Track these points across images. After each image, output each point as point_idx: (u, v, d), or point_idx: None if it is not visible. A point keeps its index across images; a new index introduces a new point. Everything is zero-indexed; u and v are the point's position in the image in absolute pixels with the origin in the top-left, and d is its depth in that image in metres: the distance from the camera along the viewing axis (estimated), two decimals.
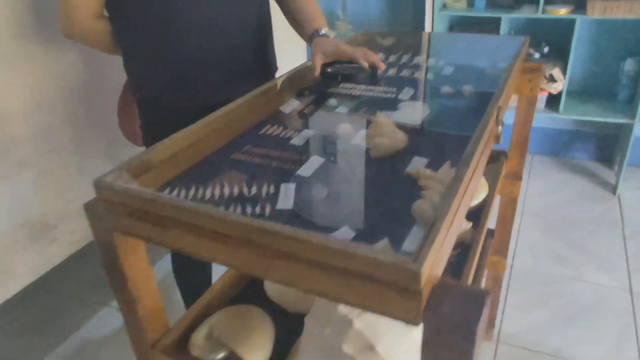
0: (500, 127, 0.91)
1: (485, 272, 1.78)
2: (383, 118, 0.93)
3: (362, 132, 0.94)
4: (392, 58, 1.36)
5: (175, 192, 0.80)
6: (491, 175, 1.53)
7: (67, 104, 1.54)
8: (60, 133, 1.53)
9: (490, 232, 1.69)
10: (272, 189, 0.82)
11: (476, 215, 1.30)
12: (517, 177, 1.49)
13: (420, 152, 0.90)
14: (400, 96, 1.16)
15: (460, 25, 2.89)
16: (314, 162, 0.87)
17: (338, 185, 0.85)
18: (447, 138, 0.96)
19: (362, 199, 0.82)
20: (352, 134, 0.97)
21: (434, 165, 0.86)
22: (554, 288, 2.01)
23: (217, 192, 0.81)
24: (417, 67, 1.33)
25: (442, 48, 1.54)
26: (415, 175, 0.81)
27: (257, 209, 0.75)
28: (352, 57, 1.15)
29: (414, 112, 1.04)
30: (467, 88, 1.15)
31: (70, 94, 1.54)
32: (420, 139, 0.96)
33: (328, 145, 0.97)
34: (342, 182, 0.86)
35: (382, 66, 1.19)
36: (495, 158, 1.53)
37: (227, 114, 0.96)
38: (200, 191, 0.81)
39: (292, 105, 1.16)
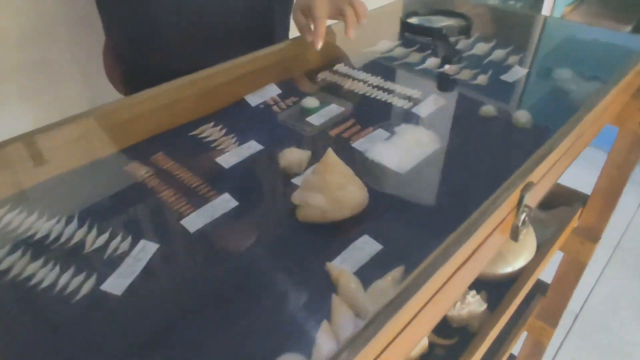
0: (523, 217, 0.53)
1: (524, 335, 1.38)
2: (333, 157, 0.59)
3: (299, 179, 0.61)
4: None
5: None
6: (555, 219, 1.10)
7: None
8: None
9: (542, 287, 1.28)
10: (126, 243, 0.55)
11: (503, 284, 0.92)
12: (592, 236, 1.05)
13: (380, 228, 0.56)
14: (420, 111, 0.78)
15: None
16: (218, 206, 0.58)
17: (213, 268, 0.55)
18: (434, 214, 0.60)
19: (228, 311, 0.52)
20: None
21: (390, 258, 0.52)
22: (627, 356, 1.54)
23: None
24: (471, 67, 0.91)
25: (539, 43, 1.07)
26: (334, 278, 0.49)
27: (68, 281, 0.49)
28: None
29: (414, 146, 0.68)
30: (523, 118, 0.74)
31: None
32: (393, 201, 0.61)
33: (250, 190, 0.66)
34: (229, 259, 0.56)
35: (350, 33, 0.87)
36: (567, 199, 1.09)
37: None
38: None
39: (265, 95, 0.85)
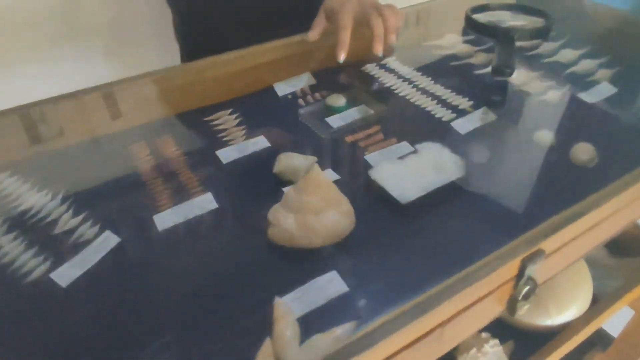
0: (526, 291, 0.41)
1: None
2: (316, 175, 0.51)
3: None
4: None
5: None
6: (626, 268, 0.91)
7: None
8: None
9: (604, 340, 1.09)
10: (92, 231, 0.53)
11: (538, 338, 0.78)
12: None
13: (354, 265, 0.48)
14: (460, 126, 0.66)
15: None
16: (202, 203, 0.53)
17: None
18: (423, 261, 0.49)
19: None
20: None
21: (353, 306, 0.44)
22: None
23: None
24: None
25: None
26: (274, 318, 0.42)
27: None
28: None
29: (430, 172, 0.57)
30: (584, 155, 0.58)
31: None
32: (381, 236, 0.51)
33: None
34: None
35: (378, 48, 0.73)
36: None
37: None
38: None
39: (296, 84, 0.78)
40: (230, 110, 0.72)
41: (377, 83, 0.78)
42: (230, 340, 0.43)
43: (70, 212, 0.56)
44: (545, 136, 0.63)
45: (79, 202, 0.58)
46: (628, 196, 0.51)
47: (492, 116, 0.68)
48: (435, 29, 0.94)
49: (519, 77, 0.76)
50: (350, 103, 0.72)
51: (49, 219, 0.55)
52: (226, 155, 0.64)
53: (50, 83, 0.80)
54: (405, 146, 0.64)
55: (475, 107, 0.71)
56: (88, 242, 0.52)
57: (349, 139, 0.66)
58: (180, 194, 0.58)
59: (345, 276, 0.47)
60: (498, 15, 0.74)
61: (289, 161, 0.58)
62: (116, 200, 0.59)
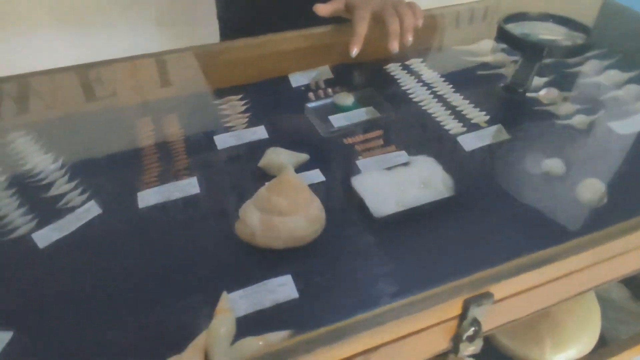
0: (471, 333, 0.38)
1: None
2: (288, 177, 0.49)
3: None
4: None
5: None
6: None
7: None
8: None
9: None
10: (80, 199, 0.56)
11: None
12: None
13: (311, 273, 0.47)
14: (467, 142, 0.63)
15: None
16: None
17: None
18: (379, 280, 0.46)
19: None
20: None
21: (298, 314, 0.44)
22: None
23: None
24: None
25: None
26: (215, 312, 0.42)
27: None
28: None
29: (415, 187, 0.54)
30: (589, 192, 0.53)
31: None
32: (345, 247, 0.49)
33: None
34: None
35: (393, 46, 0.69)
36: None
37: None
38: None
39: (312, 77, 0.76)
40: (240, 96, 0.73)
41: (394, 84, 0.75)
42: (171, 324, 0.44)
43: (66, 177, 0.59)
44: (556, 166, 0.58)
45: (76, 169, 0.61)
46: (606, 250, 0.46)
47: (504, 135, 0.64)
48: (472, 33, 0.89)
49: (549, 95, 0.70)
50: (359, 103, 0.70)
51: (45, 182, 0.59)
52: (223, 141, 0.65)
53: (75, 50, 0.84)
54: (401, 156, 0.61)
55: (491, 122, 0.67)
56: (73, 208, 0.55)
57: (347, 140, 0.64)
58: (168, 175, 0.59)
59: (299, 282, 0.46)
60: (533, 27, 0.68)
61: (275, 156, 0.58)
62: (109, 171, 0.61)
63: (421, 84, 0.75)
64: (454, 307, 0.38)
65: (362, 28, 0.68)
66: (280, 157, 0.58)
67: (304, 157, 0.61)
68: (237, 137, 0.65)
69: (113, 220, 0.54)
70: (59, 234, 0.52)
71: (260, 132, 0.66)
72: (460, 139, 0.64)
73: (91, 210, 0.55)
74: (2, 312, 0.45)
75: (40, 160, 0.62)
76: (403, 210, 0.52)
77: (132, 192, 0.57)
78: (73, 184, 0.58)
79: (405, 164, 0.58)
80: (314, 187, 0.57)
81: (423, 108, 0.70)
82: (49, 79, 0.75)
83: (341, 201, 0.55)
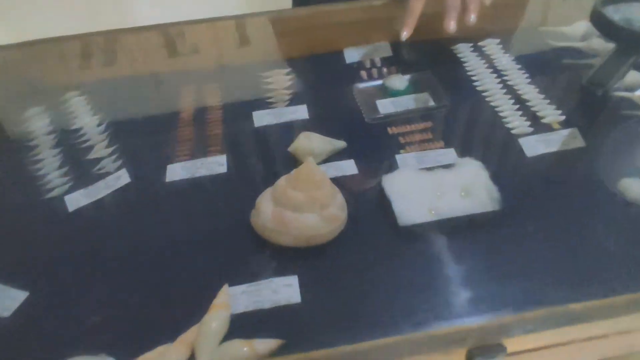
0: None
1: None
2: (308, 170, 0.45)
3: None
4: None
5: None
6: None
7: None
8: None
9: None
10: (113, 166, 0.56)
11: None
12: None
13: (318, 278, 0.42)
14: (529, 146, 0.54)
15: None
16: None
17: None
18: (391, 301, 0.41)
19: None
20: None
21: (298, 321, 0.41)
22: None
23: None
24: None
25: None
26: (212, 305, 0.41)
27: None
28: None
29: (454, 195, 0.47)
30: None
31: None
32: (361, 256, 0.45)
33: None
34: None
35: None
36: None
37: None
38: None
39: (368, 53, 0.70)
40: (287, 70, 0.69)
41: (459, 68, 0.67)
42: (170, 309, 0.43)
43: (105, 142, 0.60)
44: (635, 187, 0.48)
45: (116, 133, 0.61)
46: None
47: (578, 142, 0.54)
48: (566, 12, 0.75)
49: None
50: (413, 88, 0.63)
51: (87, 144, 0.60)
52: (260, 118, 0.62)
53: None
54: (448, 155, 0.54)
55: (565, 125, 0.57)
56: (106, 174, 0.56)
57: (392, 130, 0.58)
58: (200, 149, 0.58)
59: (305, 286, 0.43)
60: (638, 11, 0.56)
61: (307, 142, 0.54)
62: (145, 139, 0.61)
63: (491, 70, 0.66)
64: (456, 357, 0.33)
65: (417, 3, 0.61)
66: (312, 143, 0.54)
67: (340, 144, 0.56)
68: (276, 115, 0.62)
69: (139, 191, 0.54)
70: (87, 199, 0.53)
71: (301, 111, 0.62)
72: (522, 141, 0.55)
73: (121, 178, 0.55)
74: (21, 270, 0.47)
75: (88, 122, 0.63)
76: (434, 221, 0.46)
77: (162, 164, 0.56)
78: (110, 149, 0.59)
79: (448, 166, 0.51)
80: (344, 180, 0.53)
81: (487, 99, 0.62)
82: (104, 40, 0.76)
83: (369, 201, 0.50)
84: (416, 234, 0.46)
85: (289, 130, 0.60)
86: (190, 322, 0.41)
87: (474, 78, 0.65)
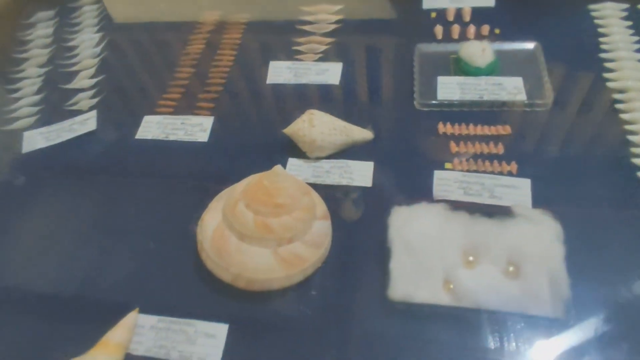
0: None
1: None
2: (274, 180, 0.29)
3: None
4: None
5: None
6: None
7: None
8: None
9: None
10: (88, 103, 0.45)
11: None
12: None
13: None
14: None
15: None
16: None
17: None
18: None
19: None
20: None
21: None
22: None
23: None
24: None
25: None
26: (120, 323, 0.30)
27: None
28: None
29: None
30: None
31: None
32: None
33: None
34: None
35: None
36: None
37: None
38: None
39: (454, 2, 0.48)
40: (337, 8, 0.50)
41: (587, 45, 0.43)
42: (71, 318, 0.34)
43: (92, 70, 0.49)
44: None
45: (109, 60, 0.50)
46: None
47: None
48: None
49: None
50: (501, 67, 0.42)
51: (74, 68, 0.50)
52: (277, 71, 0.46)
53: None
54: (519, 189, 0.35)
55: None
56: (77, 113, 0.46)
57: (444, 128, 0.39)
58: (188, 102, 0.45)
59: (234, 342, 0.30)
60: None
61: (307, 126, 0.37)
62: (136, 77, 0.49)
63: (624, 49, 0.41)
64: None
65: None
66: (315, 130, 0.37)
67: (362, 135, 0.39)
68: (298, 71, 0.46)
69: (99, 144, 0.43)
70: (45, 141, 0.44)
71: (332, 73, 0.45)
72: None
73: (88, 123, 0.45)
74: None
75: (86, 40, 0.53)
76: (448, 306, 0.29)
77: (141, 112, 0.45)
78: (94, 81, 0.49)
79: (506, 212, 0.32)
80: (346, 194, 0.36)
81: (618, 108, 0.39)
82: None
83: (371, 237, 0.34)
84: (415, 316, 0.30)
85: (307, 96, 0.44)
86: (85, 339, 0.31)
87: (610, 66, 0.41)
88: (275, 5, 0.54)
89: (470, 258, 0.30)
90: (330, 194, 0.36)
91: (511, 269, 0.30)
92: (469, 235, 0.31)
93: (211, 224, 0.32)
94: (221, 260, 0.31)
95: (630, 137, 0.37)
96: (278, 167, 0.31)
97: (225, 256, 0.31)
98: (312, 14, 0.50)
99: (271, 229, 0.30)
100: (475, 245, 0.30)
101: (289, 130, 0.38)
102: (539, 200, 0.34)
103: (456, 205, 0.33)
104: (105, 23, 0.54)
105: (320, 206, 0.33)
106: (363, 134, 0.39)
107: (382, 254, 0.32)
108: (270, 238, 0.30)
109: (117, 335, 0.31)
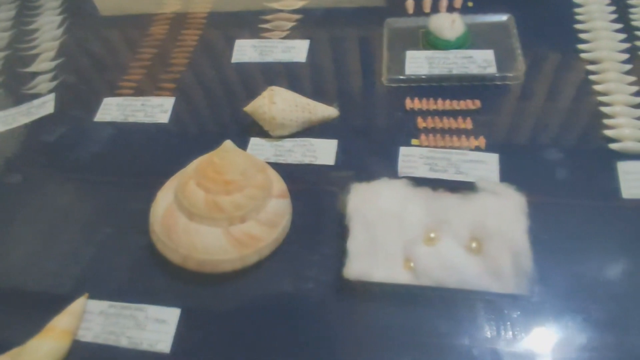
0: None
1: None
2: (224, 156, 0.28)
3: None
4: None
5: None
6: None
7: None
8: None
9: None
10: (47, 86, 0.43)
11: None
12: None
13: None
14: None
15: None
16: None
17: None
18: None
19: None
20: None
21: None
22: None
23: None
24: None
25: None
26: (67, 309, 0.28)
27: None
28: None
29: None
30: None
31: None
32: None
33: None
34: None
35: None
36: None
37: None
38: None
39: None
40: None
41: (565, 18, 0.41)
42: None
43: (52, 53, 0.48)
44: None
45: (71, 42, 0.49)
46: None
47: None
48: None
49: None
50: (471, 40, 0.40)
51: (35, 51, 0.48)
52: (242, 50, 0.44)
53: None
54: (487, 164, 0.33)
55: None
56: (36, 97, 0.44)
57: (412, 103, 0.38)
58: (150, 82, 0.43)
59: (187, 327, 0.29)
60: None
61: (267, 103, 0.36)
62: (98, 58, 0.48)
63: (622, 24, 0.40)
64: None
65: None
66: (276, 107, 0.36)
67: (327, 112, 0.38)
68: (264, 48, 0.44)
69: (56, 127, 0.42)
70: (3, 126, 0.42)
71: (298, 50, 0.43)
72: (624, 165, 0.32)
73: (45, 106, 0.43)
74: None
75: (48, 22, 0.51)
76: (407, 285, 0.28)
77: (102, 95, 0.43)
78: (54, 63, 0.47)
79: (470, 188, 0.30)
80: (312, 171, 0.35)
81: (592, 80, 0.37)
82: None
83: (328, 220, 0.32)
84: (372, 296, 0.28)
85: (273, 72, 0.42)
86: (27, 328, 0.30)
87: (585, 37, 0.40)
88: None
89: (432, 234, 0.29)
90: (292, 172, 0.35)
91: (474, 244, 0.28)
92: (431, 211, 0.29)
93: (162, 204, 0.31)
94: (170, 241, 0.29)
95: (603, 109, 0.35)
96: (227, 143, 0.29)
97: (174, 237, 0.29)
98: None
99: (221, 208, 0.29)
100: (438, 221, 0.29)
101: (249, 108, 0.37)
102: (507, 175, 0.32)
103: (420, 183, 0.32)
104: (68, 5, 0.53)
105: (278, 184, 0.32)
106: (328, 111, 0.38)
107: (342, 232, 0.30)
108: (220, 217, 0.29)
109: (64, 321, 0.29)
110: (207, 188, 0.29)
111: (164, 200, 0.31)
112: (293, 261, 0.31)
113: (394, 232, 0.29)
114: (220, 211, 0.29)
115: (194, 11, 0.49)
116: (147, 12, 0.50)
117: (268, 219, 0.30)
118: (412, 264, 0.28)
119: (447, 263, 0.28)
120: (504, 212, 0.28)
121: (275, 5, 0.48)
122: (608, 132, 0.34)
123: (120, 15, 0.52)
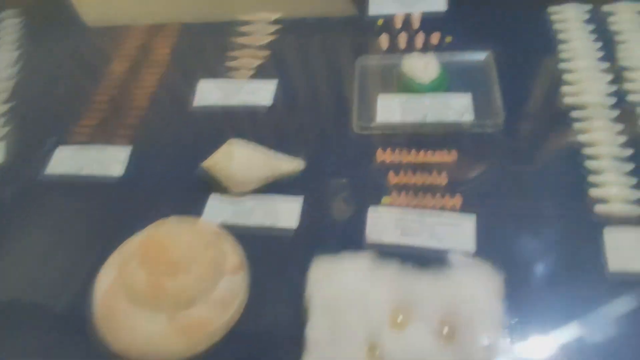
0: None
1: None
2: (160, 235, 0.25)
3: None
4: None
5: None
6: None
7: None
8: None
9: None
10: None
11: None
12: None
13: None
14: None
15: None
16: None
17: None
18: None
19: None
20: None
21: None
22: None
23: None
24: None
25: None
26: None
27: None
28: None
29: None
30: None
31: None
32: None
33: None
34: None
35: None
36: None
37: None
38: None
39: (405, 6, 0.43)
40: (279, 27, 0.45)
41: (546, 54, 0.39)
42: None
43: (8, 93, 0.44)
44: None
45: (26, 83, 0.45)
46: None
47: None
48: None
49: None
50: (447, 83, 0.37)
51: None
52: (206, 92, 0.41)
53: None
54: (463, 222, 0.30)
55: None
56: None
57: (383, 155, 0.35)
58: (107, 129, 0.40)
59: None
60: None
61: (226, 159, 0.33)
62: (53, 101, 0.44)
63: (608, 68, 0.37)
64: None
65: None
66: (235, 162, 0.33)
67: (293, 166, 0.35)
68: (229, 90, 0.41)
69: (6, 178, 0.39)
70: None
71: (264, 91, 0.40)
72: (610, 233, 0.29)
73: None
74: None
75: (4, 60, 0.48)
76: None
77: (53, 143, 0.40)
78: (7, 106, 0.44)
79: (437, 266, 0.28)
80: (274, 236, 0.32)
81: (576, 126, 0.34)
82: None
83: (288, 295, 0.30)
84: None
85: (237, 121, 0.40)
86: None
87: (569, 78, 0.37)
88: (211, 9, 0.49)
89: (400, 318, 0.26)
90: (251, 236, 0.32)
91: (446, 330, 0.26)
92: (399, 291, 0.26)
93: (104, 282, 0.28)
94: (109, 329, 0.27)
95: (589, 164, 0.32)
96: (171, 219, 0.27)
97: (113, 324, 0.27)
98: (249, 24, 0.46)
99: (165, 292, 0.26)
100: (406, 303, 0.26)
101: (207, 163, 0.34)
102: (484, 240, 0.30)
103: (389, 250, 0.29)
104: (26, 40, 0.50)
105: (232, 257, 0.29)
106: (292, 165, 0.35)
107: (302, 312, 0.28)
108: (165, 302, 0.26)
109: None
110: (149, 269, 0.26)
111: (105, 277, 0.28)
112: (248, 345, 0.28)
113: (357, 315, 0.26)
114: (164, 295, 0.26)
115: (156, 46, 0.46)
116: (107, 48, 0.47)
117: (220, 299, 0.27)
118: (377, 352, 0.26)
119: (417, 351, 0.25)
120: (478, 296, 0.25)
121: (248, 18, 0.45)
122: (594, 192, 0.31)
123: (79, 52, 0.49)
